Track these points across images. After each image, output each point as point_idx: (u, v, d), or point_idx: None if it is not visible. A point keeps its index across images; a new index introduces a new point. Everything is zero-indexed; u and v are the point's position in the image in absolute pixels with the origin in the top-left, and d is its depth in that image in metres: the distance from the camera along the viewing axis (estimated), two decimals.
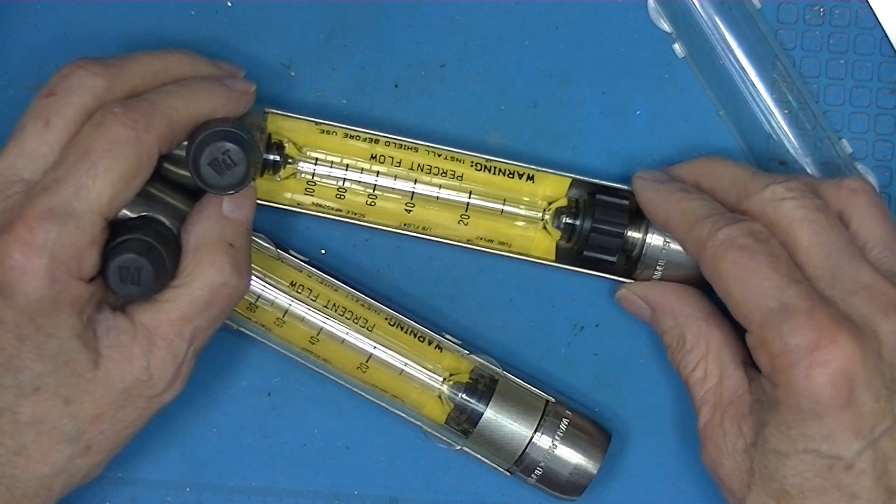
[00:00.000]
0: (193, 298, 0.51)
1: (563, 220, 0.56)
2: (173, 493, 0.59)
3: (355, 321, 0.56)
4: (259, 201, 0.56)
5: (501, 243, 0.57)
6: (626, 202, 0.56)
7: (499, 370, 0.57)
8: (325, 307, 0.56)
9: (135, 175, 0.50)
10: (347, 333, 0.56)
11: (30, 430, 0.50)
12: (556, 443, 0.56)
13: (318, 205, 0.56)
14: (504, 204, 0.56)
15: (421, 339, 0.57)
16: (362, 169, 0.56)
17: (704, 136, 0.59)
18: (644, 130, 0.59)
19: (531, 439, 0.56)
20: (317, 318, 0.56)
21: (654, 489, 0.60)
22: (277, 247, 0.56)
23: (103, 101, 0.50)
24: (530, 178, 0.57)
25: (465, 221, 0.56)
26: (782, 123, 0.58)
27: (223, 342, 0.59)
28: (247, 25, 0.59)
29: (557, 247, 0.57)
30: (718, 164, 0.55)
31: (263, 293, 0.56)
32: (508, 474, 0.57)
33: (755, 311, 0.50)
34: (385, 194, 0.56)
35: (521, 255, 0.57)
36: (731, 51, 0.57)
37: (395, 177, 0.56)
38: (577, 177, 0.57)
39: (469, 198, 0.56)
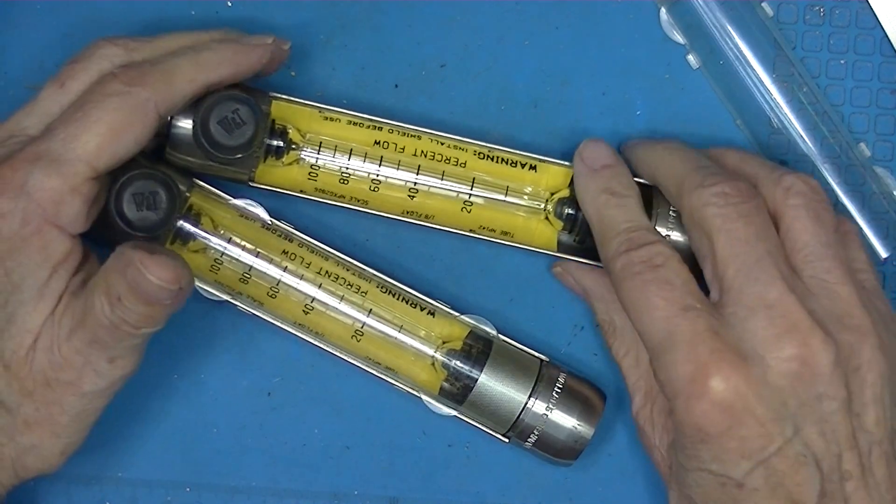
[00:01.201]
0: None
1: (566, 211, 0.56)
2: (173, 493, 0.59)
3: (348, 287, 0.56)
4: (262, 186, 0.56)
5: (504, 233, 0.57)
6: None
7: (493, 332, 0.57)
8: (318, 274, 0.56)
9: (126, 128, 0.50)
10: (341, 300, 0.56)
11: None
12: (550, 407, 0.56)
13: (321, 191, 0.56)
14: (507, 193, 0.56)
15: (413, 305, 0.57)
16: (366, 154, 0.56)
17: (705, 135, 0.59)
18: (644, 130, 0.59)
19: (525, 405, 0.56)
20: (310, 286, 0.56)
21: (647, 470, 0.60)
22: (273, 214, 0.56)
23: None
24: (533, 167, 0.56)
25: (468, 210, 0.56)
26: (801, 131, 0.58)
27: (223, 342, 0.59)
28: (247, 25, 0.58)
29: (559, 238, 0.57)
30: (664, 153, 0.55)
31: (255, 264, 0.55)
32: (506, 440, 0.57)
33: (647, 341, 0.50)
34: (388, 180, 0.56)
35: (523, 245, 0.57)
36: (747, 60, 0.57)
37: (399, 163, 0.56)
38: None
39: (472, 185, 0.56)
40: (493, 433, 0.57)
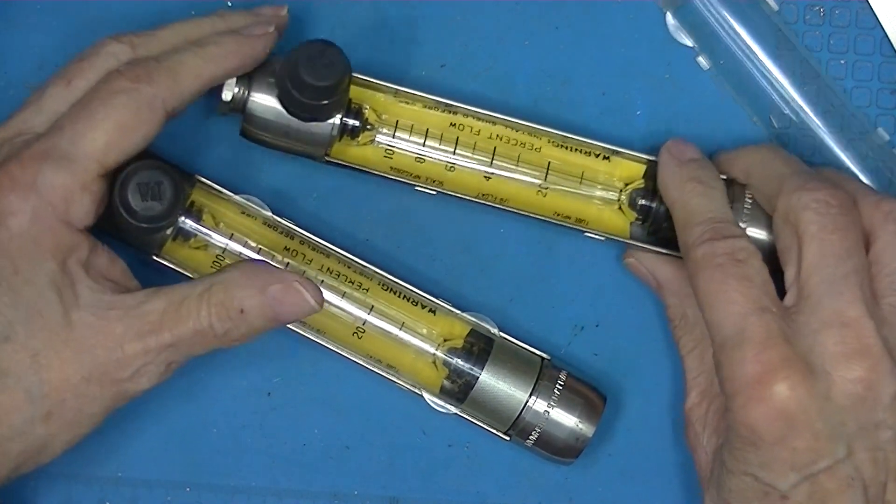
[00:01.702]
0: (197, 324, 0.51)
1: (640, 202, 0.56)
2: (173, 493, 0.59)
3: (350, 284, 0.56)
4: (338, 161, 0.56)
5: (578, 220, 0.57)
6: None
7: (494, 330, 0.57)
8: (320, 271, 0.56)
9: (134, 125, 0.50)
10: (342, 297, 0.56)
11: None
12: (551, 406, 0.56)
13: (396, 170, 0.56)
14: (581, 181, 0.56)
15: (414, 302, 0.57)
16: (441, 136, 0.55)
17: (705, 135, 0.59)
18: (644, 130, 0.59)
19: (526, 403, 0.56)
20: None
21: (648, 472, 0.60)
22: (273, 213, 0.56)
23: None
24: (606, 158, 0.56)
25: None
26: (817, 121, 0.58)
27: None
28: None
29: (631, 229, 0.57)
30: (767, 153, 0.55)
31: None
32: (507, 438, 0.57)
33: (716, 332, 0.50)
34: (464, 162, 0.56)
35: (597, 232, 0.57)
36: (756, 57, 0.57)
37: (474, 145, 0.56)
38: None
39: (547, 171, 0.56)
40: (494, 431, 0.57)
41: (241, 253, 0.55)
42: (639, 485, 0.60)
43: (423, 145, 0.55)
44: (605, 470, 0.59)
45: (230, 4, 0.59)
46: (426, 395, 0.57)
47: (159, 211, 0.51)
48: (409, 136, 0.55)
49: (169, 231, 0.54)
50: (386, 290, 0.56)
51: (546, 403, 0.56)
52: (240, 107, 0.54)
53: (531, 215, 0.56)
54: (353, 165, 0.56)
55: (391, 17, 0.59)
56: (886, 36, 0.59)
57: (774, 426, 0.49)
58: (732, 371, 0.49)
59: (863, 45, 0.59)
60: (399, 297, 0.56)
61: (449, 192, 0.56)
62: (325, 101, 0.53)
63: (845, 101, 0.58)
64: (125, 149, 0.50)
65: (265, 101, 0.54)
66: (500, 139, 0.56)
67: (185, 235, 0.55)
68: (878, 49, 0.59)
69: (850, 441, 0.49)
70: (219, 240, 0.55)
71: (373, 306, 0.56)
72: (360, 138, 0.55)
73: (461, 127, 0.56)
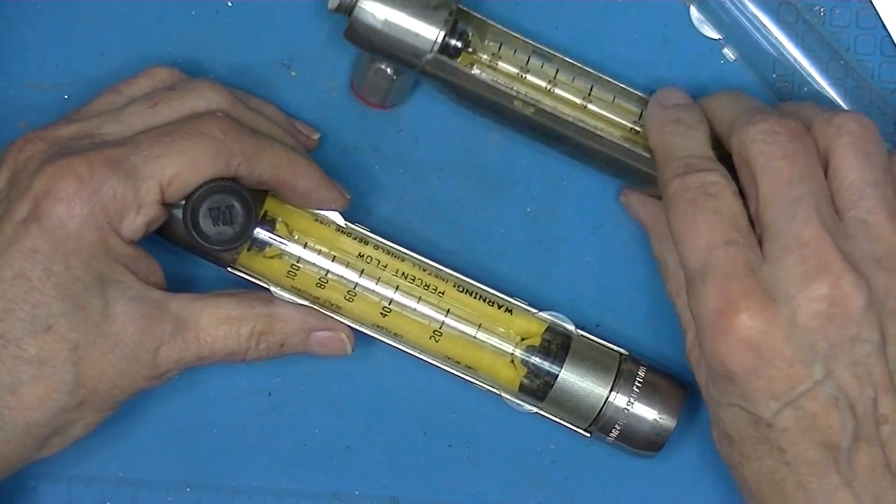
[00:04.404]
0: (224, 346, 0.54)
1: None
2: (173, 493, 0.59)
3: (425, 288, 0.56)
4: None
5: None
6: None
7: (571, 328, 0.57)
8: (395, 276, 0.56)
9: (203, 168, 0.51)
10: (418, 301, 0.56)
11: (30, 369, 0.50)
12: (632, 400, 0.56)
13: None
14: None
15: (490, 303, 0.57)
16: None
17: None
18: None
19: (607, 398, 0.56)
20: (386, 289, 0.55)
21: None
22: (346, 217, 0.56)
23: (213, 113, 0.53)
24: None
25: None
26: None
27: None
28: (247, 25, 0.59)
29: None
30: (724, 98, 0.55)
31: (331, 268, 0.55)
32: (588, 435, 0.57)
33: (686, 268, 0.50)
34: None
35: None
36: (784, 47, 0.57)
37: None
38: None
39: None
40: (574, 428, 0.57)
41: (315, 261, 0.55)
42: (639, 485, 0.60)
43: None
44: (605, 470, 0.59)
45: (230, 4, 0.59)
46: (504, 396, 0.56)
47: (231, 235, 0.52)
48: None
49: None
50: (462, 291, 0.56)
51: (627, 399, 0.56)
52: (347, 10, 0.54)
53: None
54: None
55: None
56: (889, 35, 0.59)
57: (743, 358, 0.48)
58: (698, 306, 0.49)
59: (863, 45, 0.59)
60: (475, 298, 0.56)
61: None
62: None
63: (873, 87, 0.58)
64: (185, 187, 0.51)
65: (373, 9, 0.53)
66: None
67: (259, 245, 0.55)
68: (878, 49, 0.59)
69: (826, 362, 0.48)
70: (293, 248, 0.55)
71: (449, 309, 0.56)
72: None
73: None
